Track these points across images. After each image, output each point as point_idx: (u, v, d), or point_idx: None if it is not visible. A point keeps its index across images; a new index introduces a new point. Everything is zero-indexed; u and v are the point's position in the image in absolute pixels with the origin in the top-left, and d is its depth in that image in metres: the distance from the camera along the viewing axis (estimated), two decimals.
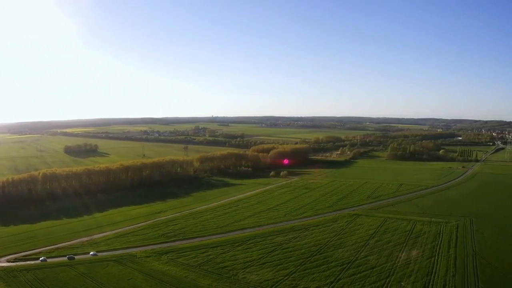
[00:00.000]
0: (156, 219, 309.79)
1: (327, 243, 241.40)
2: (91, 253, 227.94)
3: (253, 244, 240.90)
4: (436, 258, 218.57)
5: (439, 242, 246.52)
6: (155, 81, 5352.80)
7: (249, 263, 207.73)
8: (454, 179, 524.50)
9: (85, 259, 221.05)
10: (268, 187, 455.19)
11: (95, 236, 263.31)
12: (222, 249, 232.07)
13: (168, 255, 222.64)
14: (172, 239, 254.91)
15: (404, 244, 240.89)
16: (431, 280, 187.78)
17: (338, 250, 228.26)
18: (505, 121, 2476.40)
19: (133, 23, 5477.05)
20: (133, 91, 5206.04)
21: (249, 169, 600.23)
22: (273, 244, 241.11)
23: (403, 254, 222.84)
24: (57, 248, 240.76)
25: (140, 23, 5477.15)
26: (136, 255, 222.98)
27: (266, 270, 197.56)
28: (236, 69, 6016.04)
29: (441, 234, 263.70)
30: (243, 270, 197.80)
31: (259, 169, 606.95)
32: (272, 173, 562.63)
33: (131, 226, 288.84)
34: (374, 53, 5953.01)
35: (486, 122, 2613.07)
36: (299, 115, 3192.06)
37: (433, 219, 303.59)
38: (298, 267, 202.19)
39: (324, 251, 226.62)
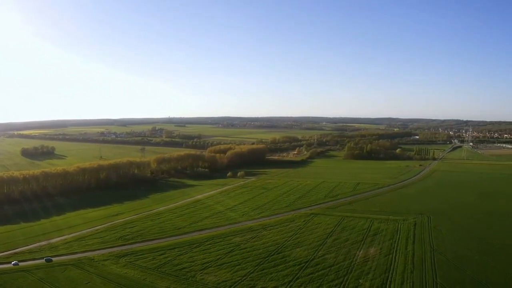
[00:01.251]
0: (114, 222, 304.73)
1: (284, 243, 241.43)
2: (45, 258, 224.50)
3: (210, 245, 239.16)
4: (394, 255, 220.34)
5: (397, 239, 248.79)
6: (112, 79, 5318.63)
7: (207, 264, 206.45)
8: (411, 178, 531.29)
9: (42, 264, 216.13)
10: (225, 188, 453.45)
11: (54, 240, 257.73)
12: (179, 250, 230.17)
13: (126, 258, 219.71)
14: (129, 242, 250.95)
15: (362, 242, 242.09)
16: (389, 277, 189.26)
17: (296, 250, 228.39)
18: (462, 120, 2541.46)
19: (90, 16, 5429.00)
20: (90, 91, 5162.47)
21: (206, 169, 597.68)
22: (231, 244, 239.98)
23: (361, 252, 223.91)
24: (15, 253, 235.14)
25: (97, 16, 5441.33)
26: (94, 259, 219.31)
27: (224, 271, 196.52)
28: (192, 70, 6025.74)
29: (398, 232, 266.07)
30: (201, 272, 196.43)
31: (216, 170, 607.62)
32: (229, 173, 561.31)
33: (89, 229, 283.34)
34: (329, 53, 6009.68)
35: (443, 121, 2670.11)
36: (255, 116, 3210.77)
37: (390, 216, 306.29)
38: (256, 267, 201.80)
39: (282, 251, 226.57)
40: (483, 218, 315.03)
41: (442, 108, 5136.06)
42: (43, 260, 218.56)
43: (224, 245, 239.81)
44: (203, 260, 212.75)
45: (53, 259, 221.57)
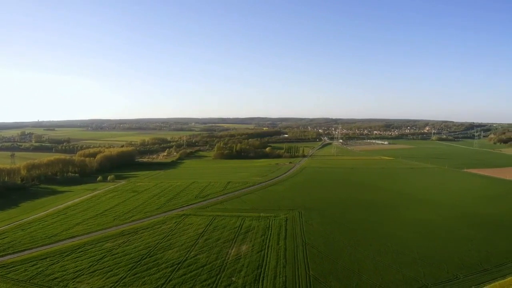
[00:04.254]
0: None
1: (156, 245, 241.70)
2: None
3: (82, 253, 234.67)
4: (266, 251, 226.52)
5: (269, 236, 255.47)
6: None
7: (79, 273, 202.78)
8: (282, 175, 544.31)
9: None
10: (96, 192, 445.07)
11: None
12: (51, 260, 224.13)
13: None
14: (0, 254, 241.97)
15: (234, 241, 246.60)
16: (262, 273, 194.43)
17: (168, 252, 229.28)
18: (331, 118, 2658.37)
19: None
20: None
21: (77, 174, 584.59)
22: (103, 250, 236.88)
23: (233, 250, 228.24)
24: None
25: None
26: None
27: (97, 278, 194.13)
28: (59, 70, 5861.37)
29: (270, 228, 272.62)
30: (73, 280, 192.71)
31: (86, 174, 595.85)
32: (99, 177, 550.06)
33: None
34: (194, 52, 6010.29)
35: (312, 119, 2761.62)
36: (124, 118, 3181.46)
37: (261, 214, 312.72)
38: (129, 272, 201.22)
39: (154, 254, 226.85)
40: (353, 211, 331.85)
41: (311, 108, 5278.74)
42: None
43: (96, 251, 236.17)
44: (76, 269, 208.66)
45: None
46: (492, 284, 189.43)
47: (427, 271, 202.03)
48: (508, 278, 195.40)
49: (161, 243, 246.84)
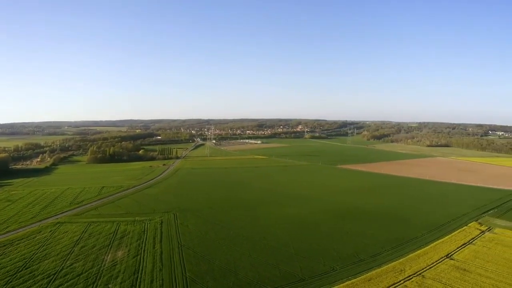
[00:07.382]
0: None
1: (32, 256, 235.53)
2: None
3: None
4: (142, 255, 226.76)
5: (144, 240, 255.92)
6: None
7: None
8: (156, 177, 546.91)
9: None
10: None
11: None
12: None
13: None
14: None
15: (109, 247, 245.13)
16: (139, 278, 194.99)
17: (43, 262, 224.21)
18: (204, 119, 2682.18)
19: None
20: None
21: None
22: None
23: (109, 257, 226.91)
24: None
25: None
26: None
27: None
28: None
29: (145, 232, 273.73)
30: None
31: None
32: None
33: None
34: (62, 52, 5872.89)
35: (185, 121, 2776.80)
36: None
37: (136, 218, 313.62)
38: (5, 286, 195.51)
39: (30, 265, 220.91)
40: (228, 210, 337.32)
41: (183, 109, 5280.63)
42: None
43: None
44: None
45: None
46: (369, 273, 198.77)
47: (304, 265, 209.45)
48: (384, 267, 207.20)
49: (36, 253, 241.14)
